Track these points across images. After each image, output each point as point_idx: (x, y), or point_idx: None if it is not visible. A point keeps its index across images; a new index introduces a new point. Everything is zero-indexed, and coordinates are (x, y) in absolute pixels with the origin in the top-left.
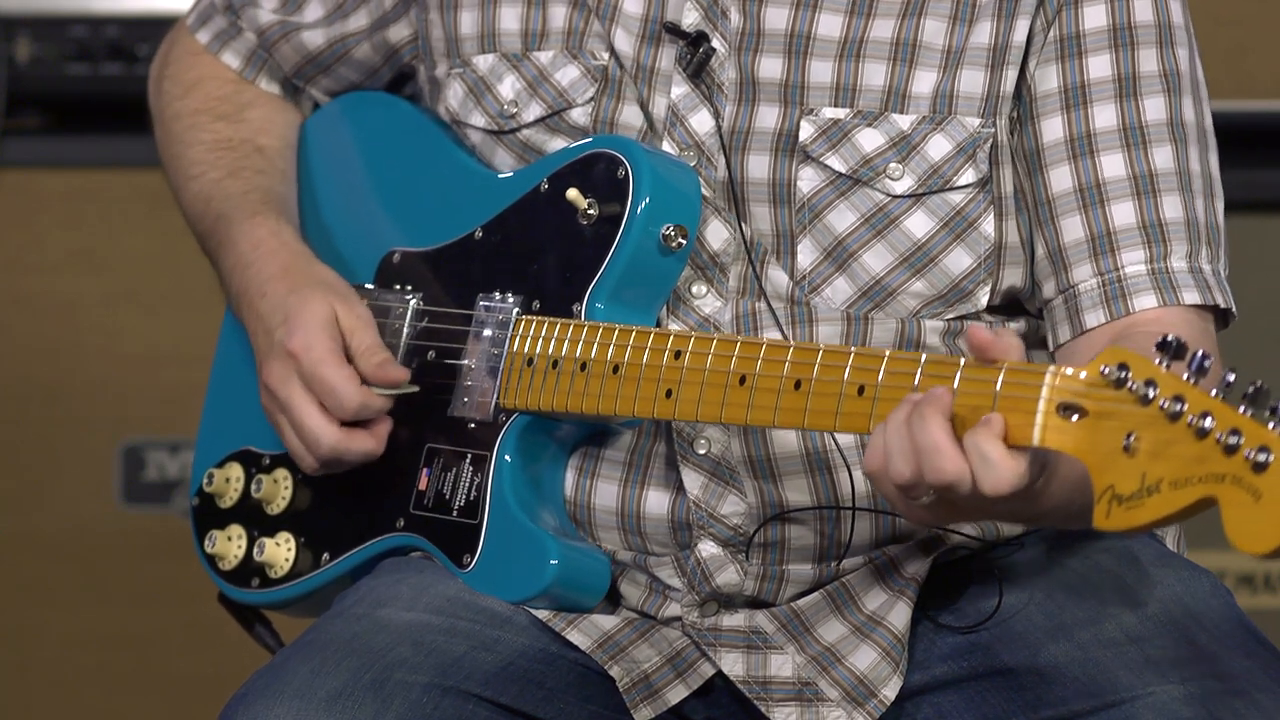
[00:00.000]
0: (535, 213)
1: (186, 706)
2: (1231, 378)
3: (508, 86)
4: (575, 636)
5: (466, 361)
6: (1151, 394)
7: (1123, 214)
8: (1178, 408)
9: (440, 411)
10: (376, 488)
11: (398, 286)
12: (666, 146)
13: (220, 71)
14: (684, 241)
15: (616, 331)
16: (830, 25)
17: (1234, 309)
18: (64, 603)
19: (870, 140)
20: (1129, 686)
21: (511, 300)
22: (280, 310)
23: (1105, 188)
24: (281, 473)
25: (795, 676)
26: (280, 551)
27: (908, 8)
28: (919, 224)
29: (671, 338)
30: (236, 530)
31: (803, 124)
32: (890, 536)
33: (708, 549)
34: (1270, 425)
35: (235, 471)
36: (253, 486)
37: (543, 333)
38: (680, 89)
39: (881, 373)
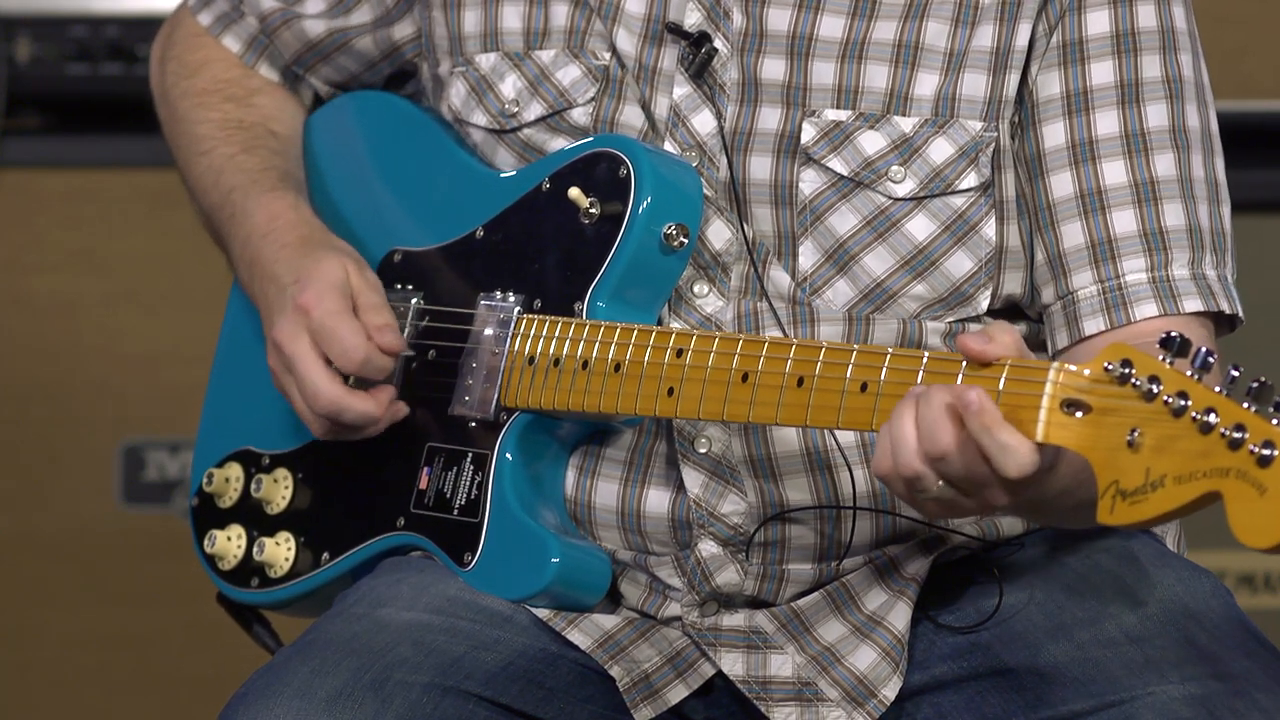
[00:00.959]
0: (537, 212)
1: (186, 706)
2: (1235, 374)
3: (509, 86)
4: (575, 636)
5: (468, 360)
6: (1155, 390)
7: (1124, 221)
8: (1181, 403)
9: (441, 410)
10: (377, 487)
11: (399, 286)
12: (668, 147)
13: (224, 55)
14: (685, 241)
15: (618, 330)
16: (832, 27)
17: (1240, 314)
18: (64, 603)
19: (872, 142)
20: (1129, 686)
21: (513, 299)
22: (293, 271)
23: (1106, 194)
24: (281, 472)
25: (795, 676)
26: (280, 551)
27: (910, 10)
28: (920, 227)
29: (673, 336)
30: (236, 530)
31: (805, 126)
32: (890, 536)
33: (708, 548)
34: (1274, 420)
35: (235, 471)
36: (252, 486)
37: (544, 331)
38: (682, 89)
39: (884, 369)
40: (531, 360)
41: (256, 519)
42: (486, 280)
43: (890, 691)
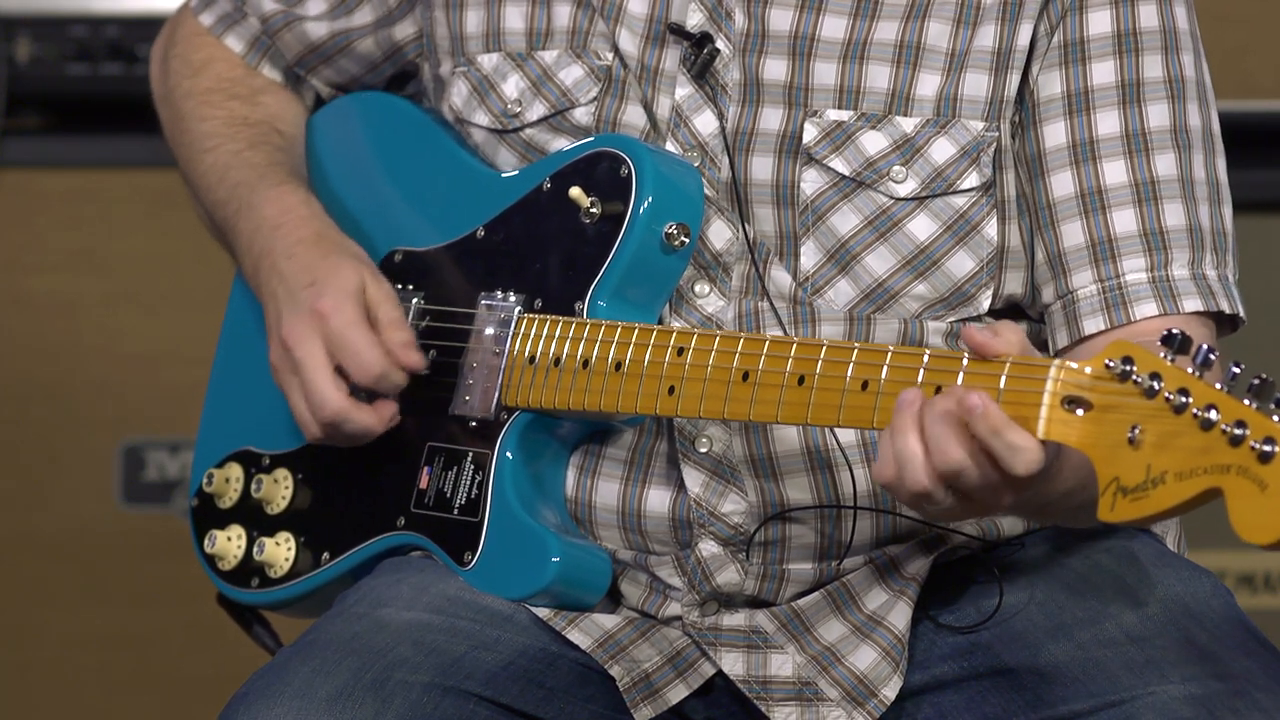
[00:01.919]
0: (538, 212)
1: (186, 706)
2: (1236, 371)
3: (511, 86)
4: (576, 636)
5: (468, 360)
6: (1156, 387)
7: (1124, 221)
8: (1183, 400)
9: (441, 410)
10: (377, 486)
11: (400, 286)
12: (670, 147)
13: (227, 55)
14: (686, 240)
15: (619, 329)
16: (834, 27)
17: (1241, 313)
18: (64, 603)
19: (874, 143)
20: (1129, 686)
21: (513, 299)
22: (309, 272)
23: (1107, 194)
24: (281, 473)
25: (795, 676)
26: (280, 551)
27: (911, 10)
28: (922, 227)
29: (674, 335)
30: (236, 530)
31: (806, 126)
32: (891, 536)
33: (708, 548)
34: (1275, 417)
35: (235, 471)
36: (252, 486)
37: (545, 331)
38: (684, 90)
39: (885, 368)
40: (532, 360)
41: (256, 519)
42: (487, 280)
43: (890, 691)
